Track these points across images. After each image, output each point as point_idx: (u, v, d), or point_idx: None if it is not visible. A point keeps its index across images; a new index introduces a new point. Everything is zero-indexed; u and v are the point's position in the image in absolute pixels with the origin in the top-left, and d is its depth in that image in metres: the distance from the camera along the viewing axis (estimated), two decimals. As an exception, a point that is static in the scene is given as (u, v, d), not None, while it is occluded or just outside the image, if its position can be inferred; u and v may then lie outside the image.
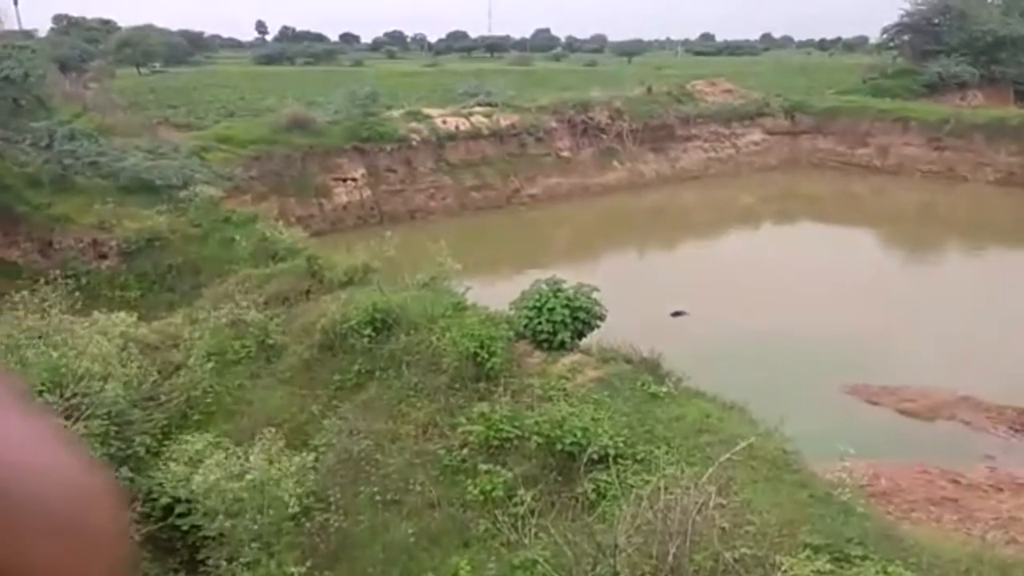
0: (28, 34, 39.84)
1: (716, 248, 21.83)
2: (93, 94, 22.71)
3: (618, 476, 6.40)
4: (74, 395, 4.86)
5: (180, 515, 5.37)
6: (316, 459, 6.53)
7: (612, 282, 12.22)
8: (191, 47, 61.87)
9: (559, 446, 6.79)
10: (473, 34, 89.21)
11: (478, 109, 26.79)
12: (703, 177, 29.36)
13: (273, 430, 6.35)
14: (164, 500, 5.35)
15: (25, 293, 8.19)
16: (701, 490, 5.48)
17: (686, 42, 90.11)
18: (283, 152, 21.96)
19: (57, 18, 58.65)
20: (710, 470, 5.64)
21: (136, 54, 47.47)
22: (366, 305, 8.94)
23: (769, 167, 30.70)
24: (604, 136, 28.21)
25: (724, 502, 5.70)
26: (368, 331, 8.75)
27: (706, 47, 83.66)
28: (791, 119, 32.07)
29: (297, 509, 5.64)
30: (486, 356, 8.03)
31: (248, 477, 5.27)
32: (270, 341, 9.16)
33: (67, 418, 4.65)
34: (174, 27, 62.86)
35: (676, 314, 14.56)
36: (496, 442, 7.10)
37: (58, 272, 10.79)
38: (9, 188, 12.49)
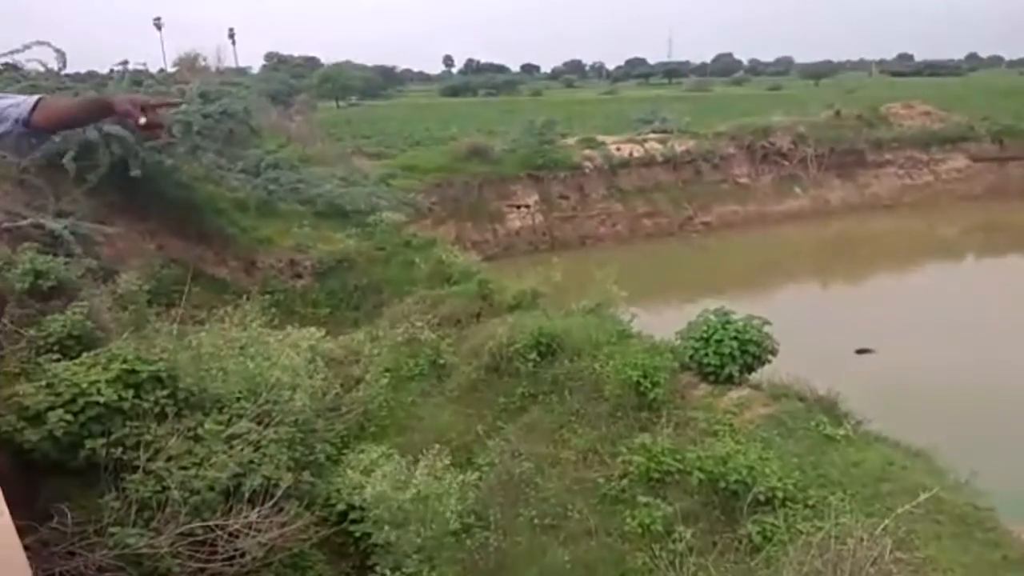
0: (243, 71, 44.26)
1: (909, 282, 20.26)
2: (297, 126, 24.78)
3: (785, 520, 6.09)
4: (267, 402, 5.31)
5: (353, 521, 5.70)
6: (479, 478, 6.73)
7: (788, 315, 11.69)
8: (384, 81, 66.07)
9: (722, 484, 6.58)
10: (652, 60, 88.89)
11: (653, 136, 26.64)
12: (896, 206, 27.45)
13: (440, 446, 6.61)
14: (340, 506, 5.71)
15: (229, 308, 9.06)
16: (877, 542, 5.11)
17: (881, 63, 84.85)
18: (462, 179, 22.93)
19: (269, 56, 64.84)
20: (887, 521, 5.25)
21: (335, 88, 51.33)
22: (532, 329, 9.11)
23: (972, 196, 28.19)
24: (785, 162, 27.14)
25: (903, 557, 5.28)
26: (533, 355, 8.91)
27: (904, 67, 78.40)
28: (999, 144, 29.29)
29: (458, 525, 5.83)
30: (649, 386, 7.93)
31: (413, 490, 5.53)
32: (441, 360, 9.54)
33: (259, 423, 5.09)
34: (370, 63, 67.48)
35: (861, 351, 13.65)
36: (656, 475, 6.98)
37: (259, 289, 11.87)
38: (223, 212, 13.83)
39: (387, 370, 9.13)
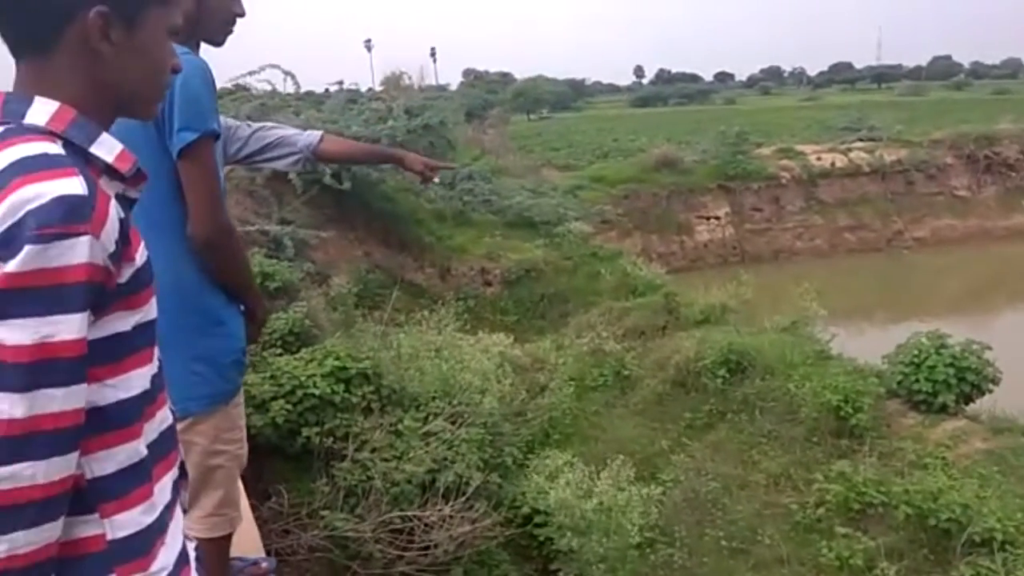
0: (443, 87, 46.50)
1: None
2: (490, 139, 25.68)
3: (1005, 565, 5.51)
4: (459, 403, 5.54)
5: (537, 525, 5.82)
6: (663, 493, 6.63)
7: (1013, 342, 10.53)
8: (574, 94, 66.92)
9: (932, 521, 6.05)
10: (858, 64, 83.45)
11: (858, 144, 24.98)
12: None
13: (623, 458, 6.59)
14: (525, 509, 5.84)
15: (426, 312, 9.56)
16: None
17: None
18: (650, 191, 22.68)
19: (466, 72, 67.70)
20: None
21: (527, 102, 52.69)
22: (721, 345, 8.86)
23: None
24: (1013, 174, 24.50)
25: None
26: (722, 372, 8.66)
27: None
28: None
29: (640, 539, 5.78)
30: (850, 411, 7.47)
31: (596, 500, 5.55)
32: (625, 372, 9.51)
33: (452, 423, 5.32)
34: (561, 76, 68.64)
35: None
36: (857, 506, 6.55)
37: (452, 295, 12.40)
38: (421, 222, 14.61)
39: (571, 379, 9.22)
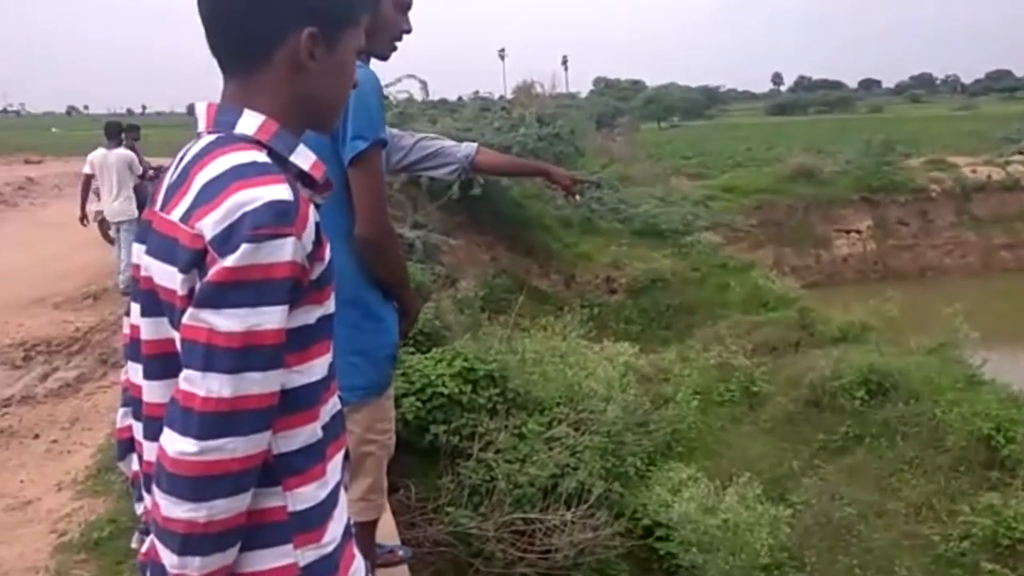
0: (573, 96, 46.69)
1: None
2: (619, 146, 25.51)
3: None
4: (583, 410, 5.54)
5: (659, 538, 5.73)
6: (792, 515, 6.37)
7: None
8: (708, 101, 65.61)
9: (1096, 566, 5.53)
10: (1018, 72, 77.47)
11: (1017, 157, 23.20)
12: None
13: (750, 476, 6.38)
14: (645, 521, 5.76)
15: (551, 318, 9.60)
16: None
17: None
18: (785, 202, 21.86)
19: (596, 81, 67.75)
20: None
21: (658, 110, 52.10)
22: (860, 365, 8.43)
23: None
24: None
25: None
26: (861, 393, 8.24)
27: None
28: None
29: (768, 560, 5.58)
30: (1002, 441, 6.95)
31: (722, 516, 5.40)
32: (754, 388, 9.21)
33: (576, 429, 5.32)
34: (694, 84, 67.44)
35: None
36: (1006, 541, 6.08)
37: (577, 302, 12.40)
38: (548, 229, 14.70)
39: (697, 392, 9.02)
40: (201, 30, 1.15)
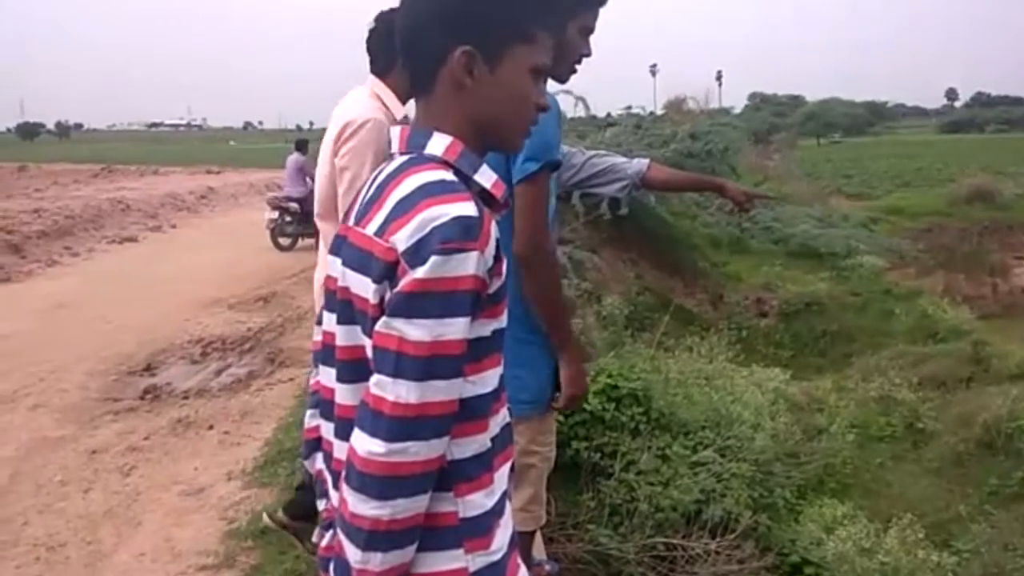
0: (727, 111, 45.53)
1: None
2: (775, 164, 24.64)
3: None
4: (730, 436, 5.36)
5: (807, 576, 5.43)
6: (958, 563, 5.87)
7: None
8: (873, 117, 62.11)
9: None
10: None
11: None
12: None
13: (912, 518, 5.94)
14: (794, 557, 5.48)
15: (696, 339, 9.36)
16: None
17: None
18: (957, 226, 20.37)
19: (752, 96, 65.68)
20: None
21: (818, 126, 49.86)
22: (1042, 406, 7.68)
23: None
24: None
25: None
26: (1041, 436, 7.50)
27: None
28: None
29: (931, 610, 5.17)
30: None
31: (880, 559, 5.06)
32: (919, 425, 8.59)
33: (721, 455, 5.16)
34: (859, 98, 64.02)
35: None
36: None
37: (724, 323, 12.05)
38: (696, 247, 14.40)
39: (853, 425, 8.50)
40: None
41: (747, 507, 5.07)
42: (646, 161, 2.56)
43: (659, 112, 20.85)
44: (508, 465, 1.19)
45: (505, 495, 1.17)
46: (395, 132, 1.20)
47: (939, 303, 13.01)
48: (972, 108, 74.74)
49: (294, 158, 14.52)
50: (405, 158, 1.16)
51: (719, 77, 71.59)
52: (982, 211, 20.73)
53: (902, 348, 10.78)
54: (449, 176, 1.11)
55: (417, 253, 1.03)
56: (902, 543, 5.36)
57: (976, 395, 8.91)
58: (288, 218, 14.00)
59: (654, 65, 74.99)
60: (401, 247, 1.04)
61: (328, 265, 1.23)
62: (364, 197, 1.19)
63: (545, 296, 2.14)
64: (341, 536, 1.07)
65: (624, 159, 2.58)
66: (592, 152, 2.61)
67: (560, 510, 4.81)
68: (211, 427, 5.85)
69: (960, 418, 8.48)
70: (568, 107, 12.40)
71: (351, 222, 1.18)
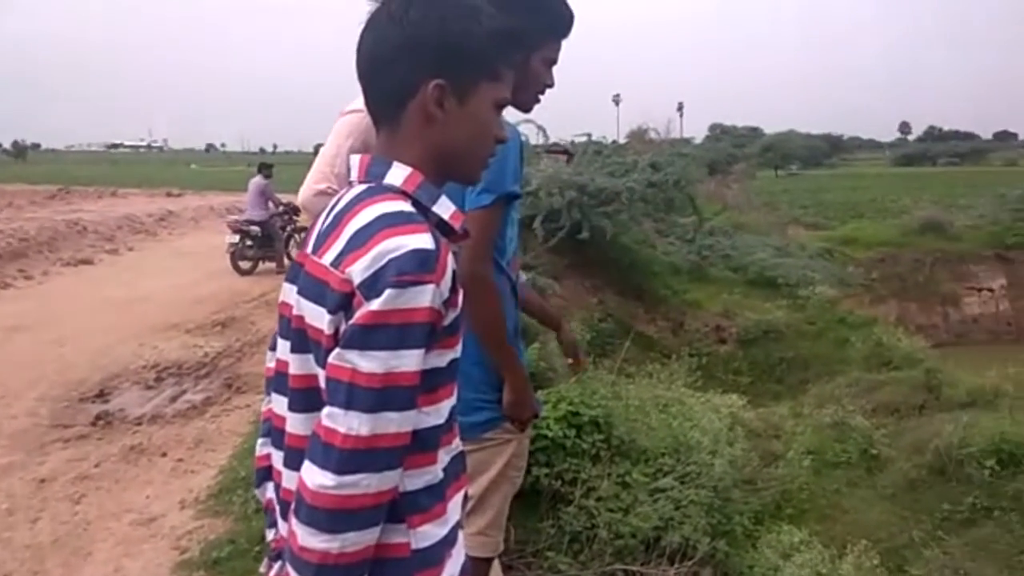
0: (687, 141, 46.31)
1: None
2: (733, 194, 25.10)
3: None
4: (691, 463, 5.41)
5: (764, 604, 5.47)
6: (913, 590, 5.97)
7: None
8: (829, 149, 63.74)
9: None
10: None
11: None
12: None
13: (867, 544, 6.02)
14: (753, 584, 5.52)
15: (657, 365, 9.43)
16: None
17: None
18: (910, 256, 20.88)
19: (712, 127, 67.02)
20: None
21: (776, 157, 50.96)
22: (992, 433, 7.87)
23: None
24: None
25: None
26: (991, 463, 7.67)
27: None
28: None
29: (884, 637, 5.23)
30: None
31: (837, 586, 5.12)
32: (874, 451, 8.73)
33: (681, 482, 5.20)
34: (815, 131, 65.66)
35: None
36: None
37: (685, 350, 12.17)
38: (657, 275, 14.56)
39: (810, 451, 8.61)
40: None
41: (705, 534, 5.11)
42: (523, 278, 2.60)
43: (622, 141, 21.14)
44: (461, 494, 1.20)
45: (458, 524, 1.18)
46: (354, 160, 1.21)
47: (893, 332, 13.30)
48: (924, 142, 77.08)
49: (256, 181, 14.41)
50: (363, 187, 1.16)
51: (680, 108, 72.77)
52: (934, 241, 21.29)
53: (857, 375, 10.97)
54: (407, 207, 1.11)
55: (373, 285, 1.03)
56: (858, 569, 5.43)
57: (928, 422, 9.09)
58: (249, 242, 13.86)
59: (617, 95, 76.07)
60: (357, 279, 1.04)
61: (284, 292, 1.23)
62: (321, 226, 1.19)
63: (486, 324, 2.15)
64: (289, 569, 1.06)
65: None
66: None
67: (520, 537, 4.80)
68: (164, 454, 5.73)
69: (913, 444, 8.64)
70: (532, 136, 12.52)
71: (308, 250, 1.19)
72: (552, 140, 14.36)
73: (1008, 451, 7.75)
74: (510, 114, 2.37)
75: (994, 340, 19.81)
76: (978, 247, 21.14)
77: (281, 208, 14.45)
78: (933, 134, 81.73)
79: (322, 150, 2.65)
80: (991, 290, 20.91)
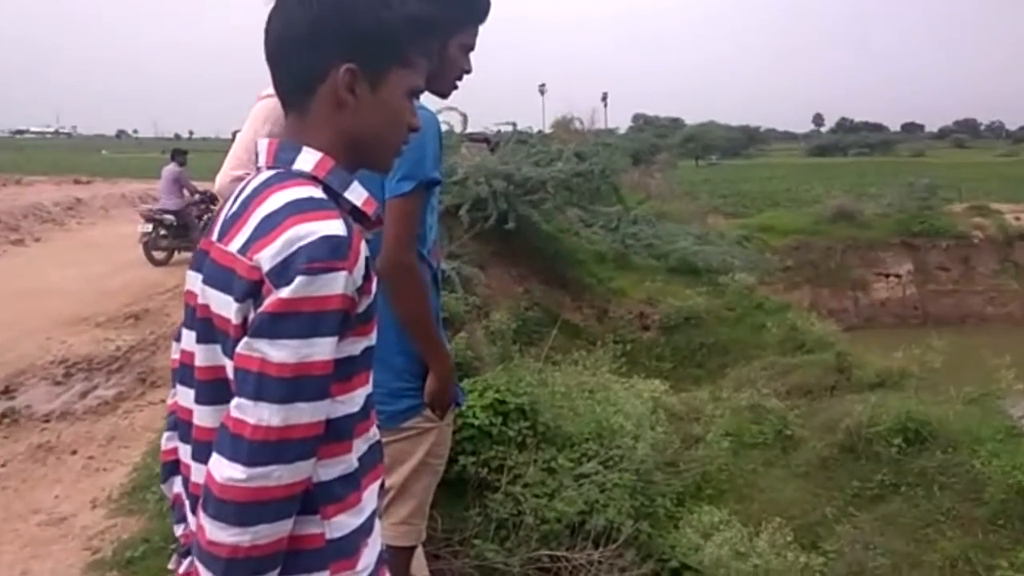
0: (612, 131, 46.89)
1: None
2: (656, 183, 25.54)
3: None
4: (614, 447, 5.50)
5: (685, 581, 5.61)
6: (825, 564, 6.22)
7: None
8: (747, 140, 65.50)
9: None
10: (1067, 118, 76.39)
11: (1065, 205, 22.79)
12: None
13: (782, 521, 6.25)
14: (673, 563, 5.66)
15: (582, 352, 9.55)
16: None
17: None
18: (823, 243, 21.70)
19: (636, 117, 68.12)
20: None
21: (697, 148, 52.08)
22: (898, 412, 8.26)
23: None
24: None
25: None
26: (898, 441, 8.06)
27: None
28: None
29: (798, 610, 5.45)
30: (1046, 497, 6.71)
31: (753, 561, 5.29)
32: (788, 432, 9.05)
33: (605, 466, 5.28)
34: (734, 123, 67.43)
35: None
36: (1049, 602, 5.86)
37: (610, 337, 12.34)
38: (582, 263, 14.72)
39: (728, 433, 8.87)
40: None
41: (629, 516, 5.21)
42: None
43: (548, 131, 21.24)
44: (377, 483, 1.18)
45: (375, 513, 1.16)
46: (262, 145, 1.16)
47: (806, 316, 13.80)
48: (837, 133, 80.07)
49: (170, 169, 13.91)
50: (271, 173, 1.12)
51: (604, 98, 73.64)
52: (845, 229, 22.16)
53: (772, 359, 11.34)
54: (318, 193, 1.08)
55: (283, 273, 1.00)
56: (772, 546, 5.63)
57: (839, 402, 9.48)
58: (163, 231, 13.38)
59: (543, 85, 76.45)
60: (266, 266, 1.01)
61: (188, 280, 1.19)
62: (227, 212, 1.14)
63: (412, 312, 2.14)
64: (198, 564, 1.03)
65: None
66: None
67: (446, 526, 4.79)
68: (75, 452, 5.50)
69: (825, 424, 9.01)
70: (455, 124, 12.43)
71: (213, 237, 1.14)
72: (474, 129, 14.31)
73: (914, 429, 8.16)
74: (430, 100, 2.36)
75: (901, 324, 20.80)
76: (886, 235, 22.11)
77: (197, 196, 13.99)
78: (845, 126, 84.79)
79: (239, 136, 2.58)
80: (898, 276, 21.93)
